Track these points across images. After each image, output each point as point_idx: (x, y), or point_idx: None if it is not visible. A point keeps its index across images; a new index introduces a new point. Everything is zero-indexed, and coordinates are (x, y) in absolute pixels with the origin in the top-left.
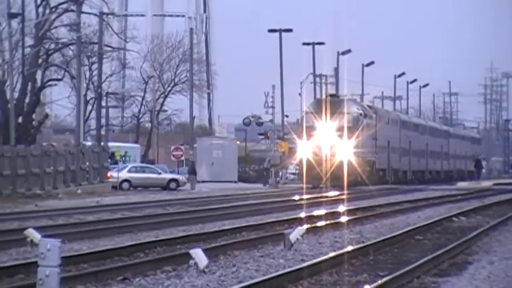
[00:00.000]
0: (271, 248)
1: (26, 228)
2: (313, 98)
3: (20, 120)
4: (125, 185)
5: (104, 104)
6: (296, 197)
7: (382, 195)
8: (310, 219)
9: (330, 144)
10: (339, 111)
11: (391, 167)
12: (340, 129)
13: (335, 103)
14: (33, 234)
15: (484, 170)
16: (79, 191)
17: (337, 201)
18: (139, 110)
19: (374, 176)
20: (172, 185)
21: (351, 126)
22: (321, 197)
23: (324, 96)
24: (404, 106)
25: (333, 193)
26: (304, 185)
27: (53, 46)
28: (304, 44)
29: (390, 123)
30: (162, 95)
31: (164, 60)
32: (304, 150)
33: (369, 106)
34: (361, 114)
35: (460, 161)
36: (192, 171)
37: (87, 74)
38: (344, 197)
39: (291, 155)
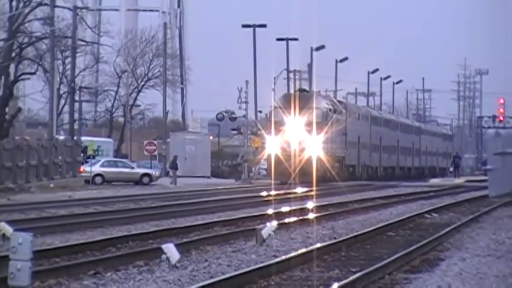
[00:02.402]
0: (243, 244)
1: None
2: None
3: None
4: (98, 179)
5: (77, 98)
6: (268, 193)
7: (355, 192)
8: (282, 214)
9: (299, 139)
10: (308, 106)
11: (361, 163)
12: (309, 124)
13: (304, 98)
14: (5, 228)
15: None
16: (51, 185)
17: (308, 197)
18: (113, 105)
19: (343, 172)
20: (145, 179)
21: (320, 121)
22: (292, 193)
23: (293, 91)
24: (378, 102)
25: (303, 189)
26: (273, 181)
27: (26, 40)
28: (278, 39)
29: (360, 118)
30: (136, 90)
31: (138, 54)
32: (272, 145)
33: (339, 101)
34: (330, 110)
35: (432, 158)
36: (174, 166)
37: (61, 68)
38: (315, 193)
39: (262, 151)
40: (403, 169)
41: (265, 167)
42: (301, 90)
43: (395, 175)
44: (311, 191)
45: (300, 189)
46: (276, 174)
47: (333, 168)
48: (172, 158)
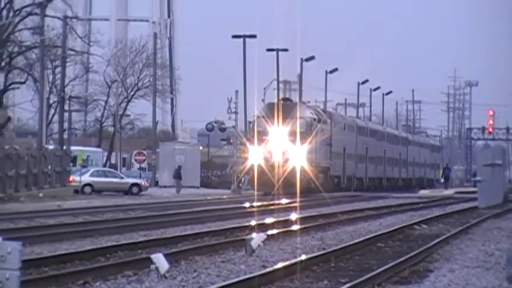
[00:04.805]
0: (232, 254)
1: None
2: None
3: None
4: (87, 189)
5: (66, 107)
6: (256, 204)
7: (343, 203)
8: (271, 225)
9: (282, 149)
10: (292, 116)
11: (346, 173)
12: (292, 134)
13: (288, 107)
14: None
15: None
16: (41, 195)
17: (296, 208)
18: (102, 114)
19: (328, 183)
20: (135, 189)
21: (303, 131)
22: (280, 204)
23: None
24: (368, 113)
25: (288, 200)
26: (256, 192)
27: (16, 49)
28: (268, 50)
29: (346, 128)
30: (125, 100)
31: (128, 64)
32: (255, 155)
33: (324, 111)
34: (314, 119)
35: (419, 169)
36: (177, 176)
37: (50, 77)
38: (301, 204)
39: (246, 161)
40: (390, 180)
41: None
42: (285, 100)
43: (382, 186)
44: (295, 202)
45: (285, 200)
46: (259, 185)
47: (317, 179)
48: (176, 168)
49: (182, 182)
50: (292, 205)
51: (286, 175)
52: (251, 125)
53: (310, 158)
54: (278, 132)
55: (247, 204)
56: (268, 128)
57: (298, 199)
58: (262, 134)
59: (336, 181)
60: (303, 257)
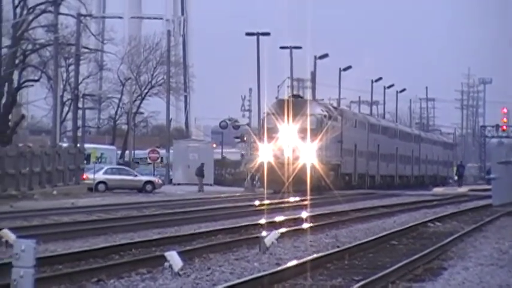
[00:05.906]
0: (246, 252)
1: (0, 229)
2: None
3: None
4: (101, 186)
5: (80, 105)
6: (270, 201)
7: (357, 200)
8: (285, 222)
9: (292, 146)
10: (302, 113)
11: (357, 171)
12: (303, 131)
13: (298, 104)
14: (8, 235)
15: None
16: (54, 192)
17: (310, 206)
18: (116, 112)
19: (339, 181)
20: (148, 187)
21: (314, 128)
22: (293, 202)
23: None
24: (382, 111)
25: (301, 198)
26: (265, 190)
27: (30, 47)
28: (281, 47)
29: (357, 125)
30: (139, 97)
31: (141, 62)
32: (265, 153)
33: (335, 107)
34: (325, 116)
35: (432, 166)
36: (200, 173)
37: (64, 75)
38: (310, 202)
39: (255, 158)
40: (402, 178)
41: None
42: (295, 96)
43: (394, 184)
44: (306, 200)
45: (296, 198)
46: (268, 182)
47: (327, 176)
48: (198, 166)
49: (196, 179)
50: (303, 203)
51: (296, 173)
52: (261, 122)
53: (320, 156)
54: (288, 129)
55: (259, 202)
56: (278, 125)
57: (308, 197)
58: (272, 131)
59: (347, 179)
60: (317, 254)
